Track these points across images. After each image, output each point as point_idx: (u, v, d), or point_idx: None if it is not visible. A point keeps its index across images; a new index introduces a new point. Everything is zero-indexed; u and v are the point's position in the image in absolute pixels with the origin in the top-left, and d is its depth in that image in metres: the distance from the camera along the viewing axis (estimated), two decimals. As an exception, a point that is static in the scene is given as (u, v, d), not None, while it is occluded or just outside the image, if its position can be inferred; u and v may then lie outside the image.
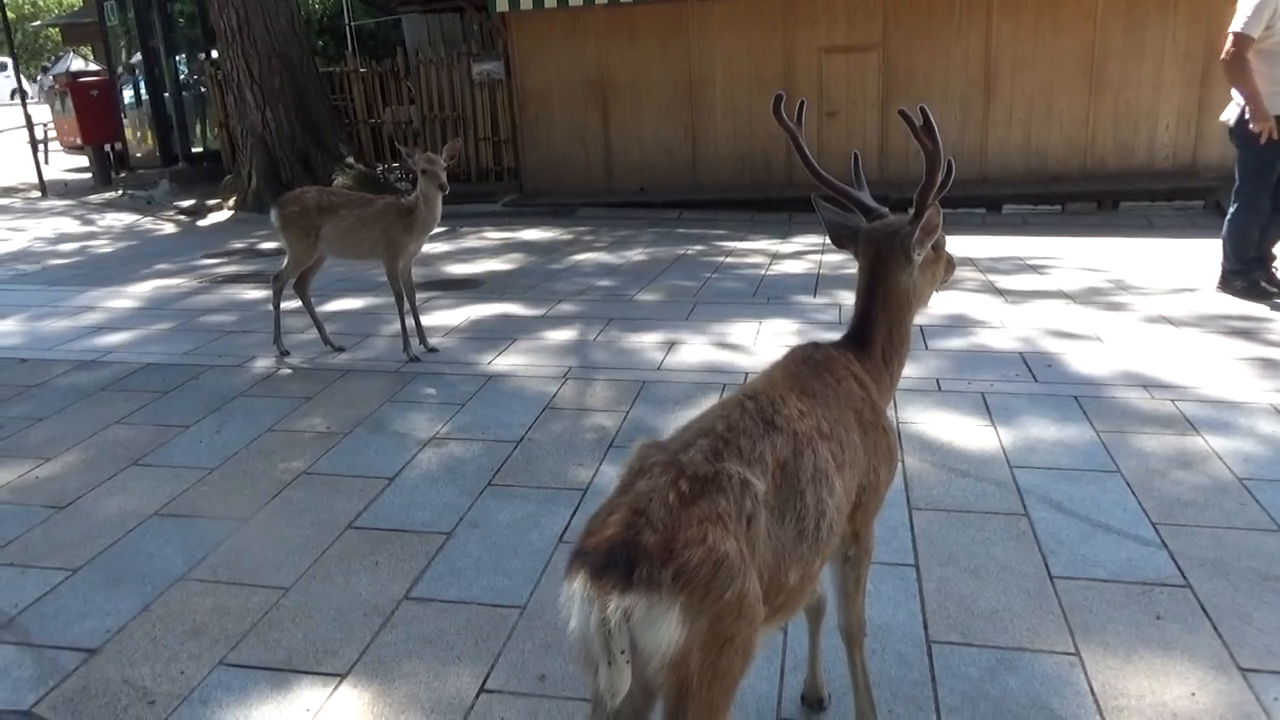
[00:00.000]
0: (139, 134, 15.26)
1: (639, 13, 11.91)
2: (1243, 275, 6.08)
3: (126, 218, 12.43)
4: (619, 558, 1.39)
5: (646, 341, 5.55)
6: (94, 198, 14.26)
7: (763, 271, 7.62)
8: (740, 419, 1.71)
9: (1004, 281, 7.01)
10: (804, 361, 2.03)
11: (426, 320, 5.79)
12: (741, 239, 9.31)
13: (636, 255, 8.69)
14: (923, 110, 2.03)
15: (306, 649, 2.68)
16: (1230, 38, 5.65)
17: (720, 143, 12.22)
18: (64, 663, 2.65)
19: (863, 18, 11.45)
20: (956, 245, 9.25)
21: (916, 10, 11.35)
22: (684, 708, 1.44)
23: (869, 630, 2.29)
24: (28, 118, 14.97)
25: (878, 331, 2.14)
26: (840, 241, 2.26)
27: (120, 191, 14.29)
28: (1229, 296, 6.09)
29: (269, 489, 3.72)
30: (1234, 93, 5.81)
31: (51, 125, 17.16)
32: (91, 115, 15.14)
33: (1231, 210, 6.05)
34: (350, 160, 12.39)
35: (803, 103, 2.34)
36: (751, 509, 1.53)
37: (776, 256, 8.31)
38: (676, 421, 4.21)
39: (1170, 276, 7.04)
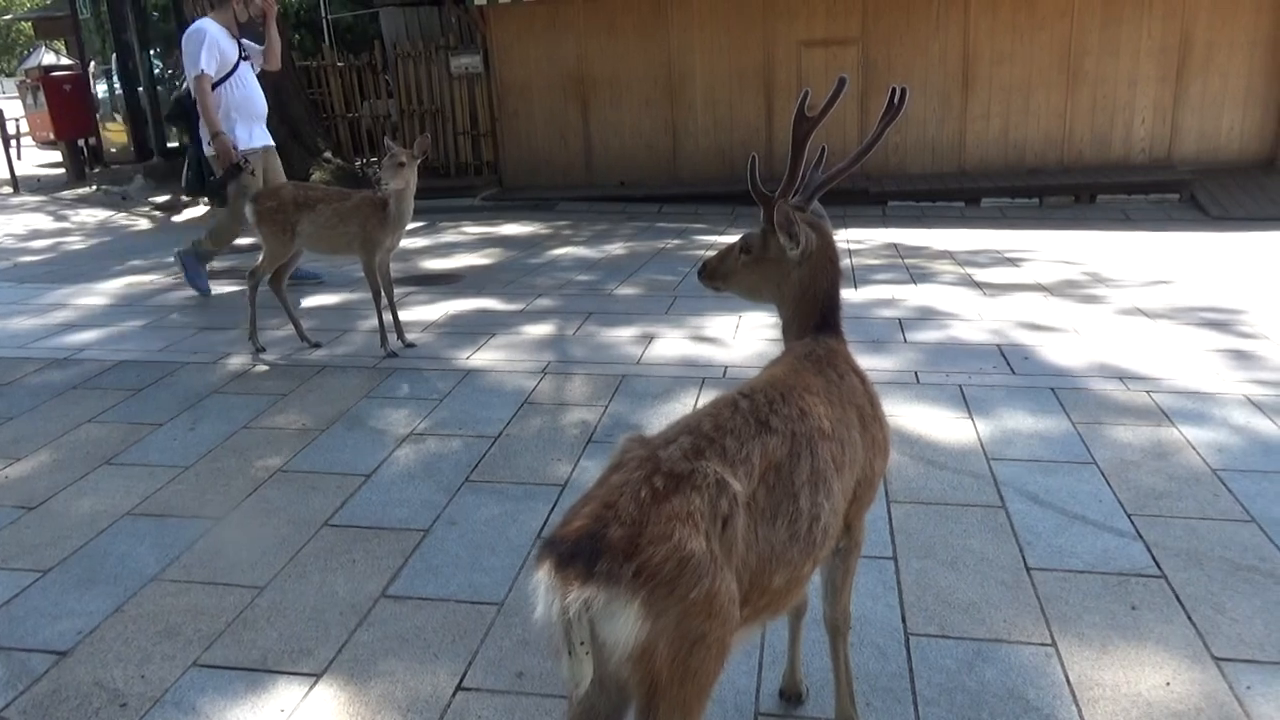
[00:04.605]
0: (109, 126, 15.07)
1: (619, 6, 11.89)
2: None
3: (100, 214, 12.28)
4: (584, 549, 1.38)
5: (625, 336, 5.54)
6: (67, 194, 14.09)
7: (743, 266, 7.60)
8: (730, 418, 1.69)
9: (981, 274, 7.05)
10: (806, 357, 2.00)
11: (404, 315, 5.75)
12: (721, 233, 9.30)
13: (616, 249, 8.67)
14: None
15: (282, 649, 2.65)
16: None
17: (700, 136, 12.23)
18: (34, 665, 2.61)
19: (842, 12, 11.49)
20: (936, 238, 9.20)
21: (895, 5, 11.39)
22: (655, 705, 1.43)
23: (847, 623, 2.29)
24: (-2, 112, 14.77)
25: (841, 316, 2.15)
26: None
27: (94, 187, 14.12)
28: (1202, 288, 6.15)
29: (244, 487, 3.68)
30: None
31: (24, 120, 16.93)
32: (64, 110, 14.94)
33: None
34: (328, 155, 12.30)
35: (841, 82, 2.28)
36: (728, 510, 1.51)
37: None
38: (655, 416, 4.20)
39: (1146, 269, 7.11)
